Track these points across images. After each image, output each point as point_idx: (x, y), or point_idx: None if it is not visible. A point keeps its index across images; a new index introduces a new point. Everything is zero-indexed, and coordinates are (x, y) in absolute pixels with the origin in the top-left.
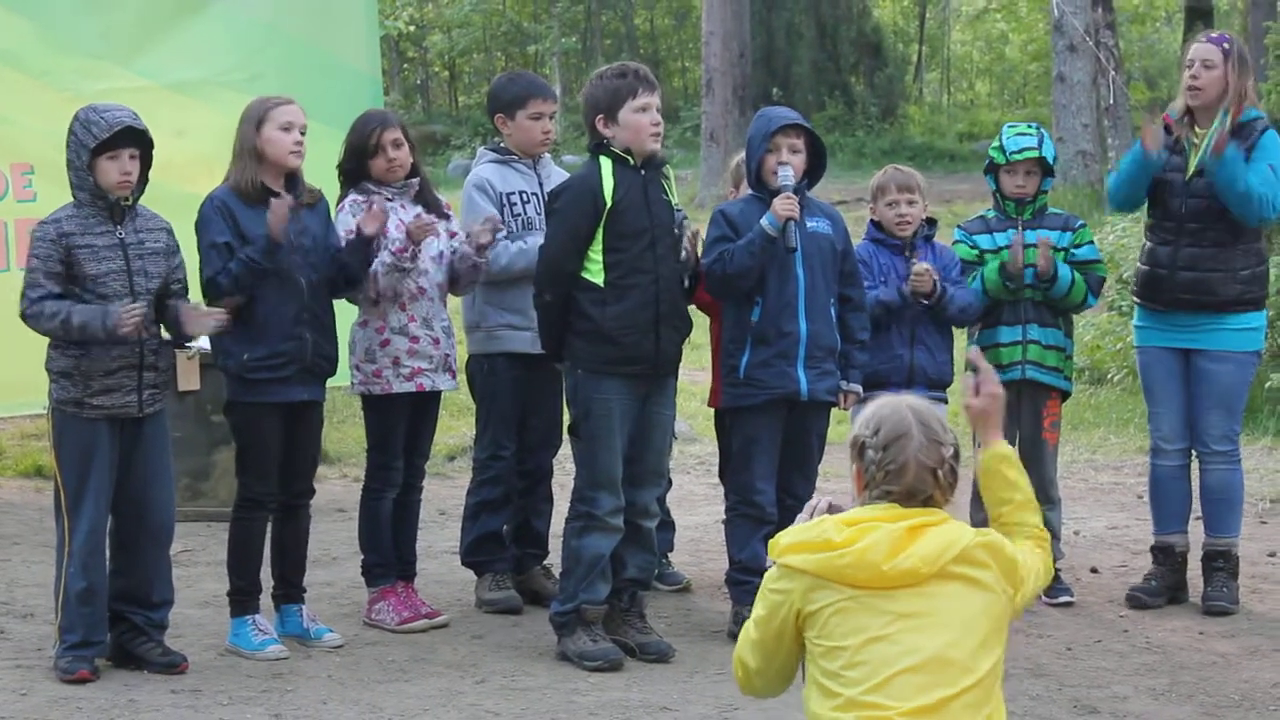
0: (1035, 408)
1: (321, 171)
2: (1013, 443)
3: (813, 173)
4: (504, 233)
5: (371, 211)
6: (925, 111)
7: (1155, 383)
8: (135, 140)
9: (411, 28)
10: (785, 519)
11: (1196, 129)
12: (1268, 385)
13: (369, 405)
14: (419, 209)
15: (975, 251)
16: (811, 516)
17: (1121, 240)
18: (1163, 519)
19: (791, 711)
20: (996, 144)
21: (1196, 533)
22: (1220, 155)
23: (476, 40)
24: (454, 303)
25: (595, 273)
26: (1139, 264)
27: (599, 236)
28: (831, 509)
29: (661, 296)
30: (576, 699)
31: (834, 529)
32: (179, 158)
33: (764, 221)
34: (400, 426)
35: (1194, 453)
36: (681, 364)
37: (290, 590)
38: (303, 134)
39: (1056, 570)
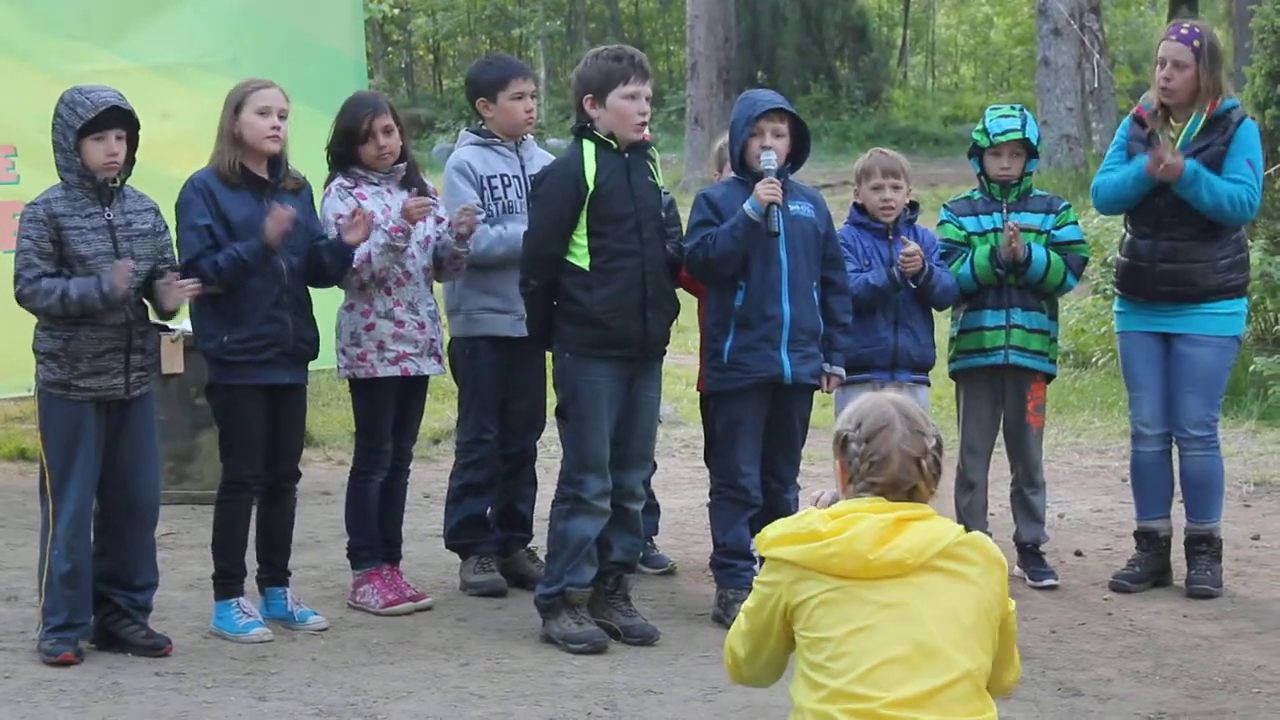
0: (1019, 391)
1: (306, 154)
2: (997, 426)
3: (797, 157)
4: (483, 214)
5: (354, 220)
6: (910, 95)
7: (1135, 367)
8: (121, 121)
9: (396, 11)
10: (769, 502)
11: (1172, 121)
12: (1251, 369)
13: (356, 389)
14: (405, 194)
15: (963, 233)
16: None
17: (1107, 224)
18: (1145, 504)
19: (774, 695)
20: (980, 127)
21: (1180, 516)
22: (1178, 179)
23: (461, 24)
24: (437, 286)
25: (580, 257)
26: (1119, 255)
27: (583, 220)
28: (835, 502)
29: (648, 279)
30: (561, 681)
31: (820, 520)
32: (161, 139)
33: (747, 206)
34: (387, 410)
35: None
36: (667, 348)
37: (275, 573)
38: (282, 118)
39: (1041, 553)
